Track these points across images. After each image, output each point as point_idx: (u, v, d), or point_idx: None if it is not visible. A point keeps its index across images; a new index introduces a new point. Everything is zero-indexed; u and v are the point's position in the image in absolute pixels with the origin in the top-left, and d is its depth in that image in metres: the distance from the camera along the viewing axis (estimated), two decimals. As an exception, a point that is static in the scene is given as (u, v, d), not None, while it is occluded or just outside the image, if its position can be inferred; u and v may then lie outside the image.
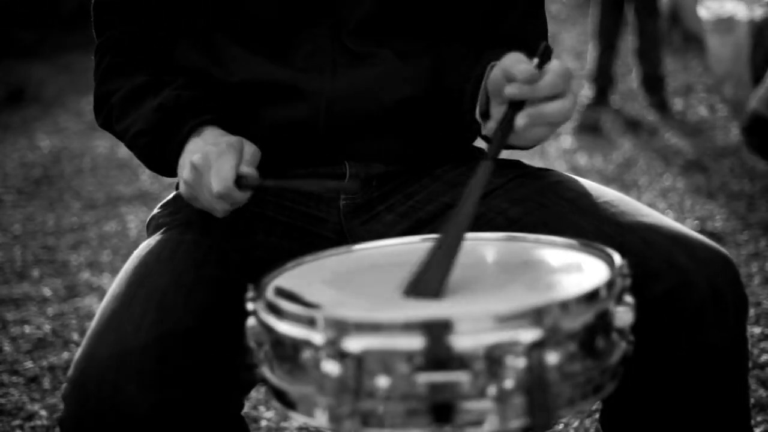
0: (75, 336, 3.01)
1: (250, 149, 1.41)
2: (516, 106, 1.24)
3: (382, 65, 1.47)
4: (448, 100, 1.50)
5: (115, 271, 3.59)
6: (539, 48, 1.25)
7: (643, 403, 1.32)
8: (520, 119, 1.22)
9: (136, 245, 3.83)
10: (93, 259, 3.78)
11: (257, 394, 2.46)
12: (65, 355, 2.86)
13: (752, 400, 2.34)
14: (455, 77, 1.50)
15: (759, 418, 2.27)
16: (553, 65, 1.23)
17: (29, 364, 2.82)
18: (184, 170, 1.38)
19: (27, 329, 3.09)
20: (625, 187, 4.35)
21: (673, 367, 1.29)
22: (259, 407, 2.48)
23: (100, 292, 3.37)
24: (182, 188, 1.40)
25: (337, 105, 1.46)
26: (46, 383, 2.68)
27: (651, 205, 4.05)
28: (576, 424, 2.32)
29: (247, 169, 1.38)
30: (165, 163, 1.46)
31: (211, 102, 1.47)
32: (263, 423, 2.42)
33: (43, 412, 2.51)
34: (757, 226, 3.70)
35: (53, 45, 8.30)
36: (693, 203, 4.06)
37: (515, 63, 1.23)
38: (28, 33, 8.70)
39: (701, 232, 3.63)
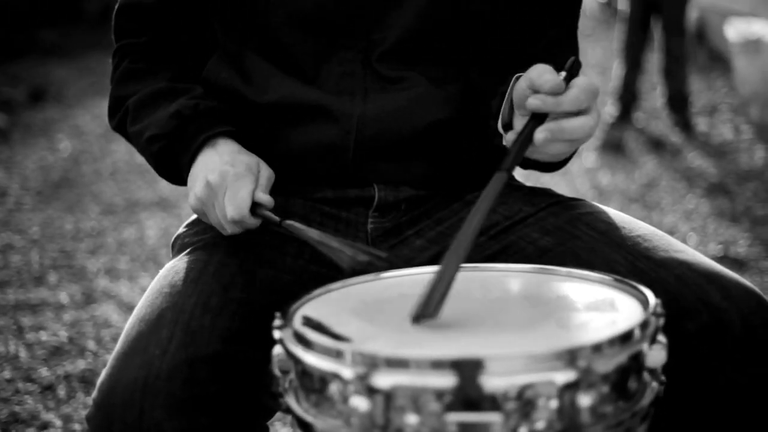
0: (91, 344, 3.00)
1: (266, 172, 1.40)
2: (538, 118, 1.21)
3: (413, 89, 1.46)
4: (479, 125, 1.49)
5: (132, 279, 3.59)
6: (568, 62, 1.22)
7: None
8: (539, 133, 1.19)
9: (154, 252, 3.87)
10: (111, 266, 3.77)
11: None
12: (81, 363, 2.85)
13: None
14: (485, 102, 1.48)
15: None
16: (580, 80, 1.20)
17: (45, 371, 2.81)
18: (197, 184, 1.38)
19: (43, 336, 3.08)
20: (647, 208, 4.32)
21: (704, 407, 1.27)
22: (275, 423, 2.46)
23: (117, 300, 3.37)
24: (192, 201, 1.40)
25: (367, 128, 1.45)
26: (61, 392, 2.67)
27: (674, 227, 4.02)
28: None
29: (264, 197, 1.37)
30: (176, 171, 1.46)
31: (228, 114, 1.47)
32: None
33: (58, 422, 2.50)
34: (780, 252, 3.66)
35: (76, 45, 8.34)
36: (716, 227, 4.02)
37: (542, 73, 1.21)
38: (50, 33, 8.76)
39: (725, 257, 3.59)
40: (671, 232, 3.92)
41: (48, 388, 2.70)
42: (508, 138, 1.33)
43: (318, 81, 1.46)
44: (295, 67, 1.46)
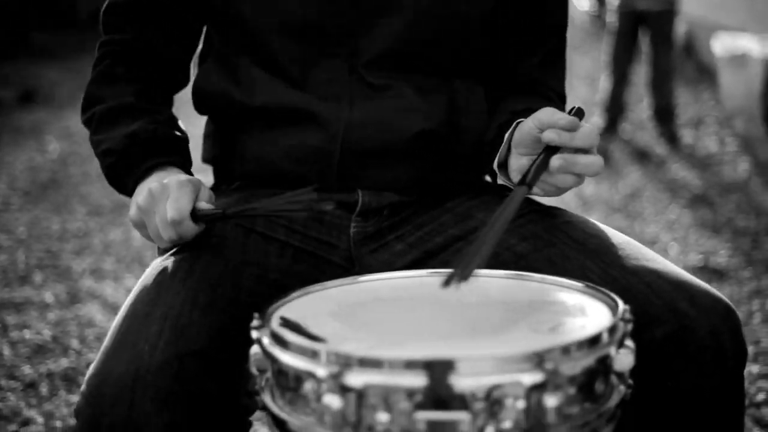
0: (75, 343, 3.01)
1: (206, 192, 1.43)
2: (550, 151, 1.31)
3: (399, 98, 1.49)
4: (462, 136, 1.53)
5: (117, 280, 3.60)
6: (573, 109, 1.33)
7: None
8: (555, 161, 1.29)
9: (139, 254, 3.89)
10: (96, 266, 3.79)
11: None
12: (64, 362, 2.86)
13: (748, 441, 2.34)
14: (470, 113, 1.53)
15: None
16: (587, 125, 1.31)
17: (27, 369, 2.82)
18: (140, 196, 1.41)
19: (27, 334, 3.09)
20: (630, 218, 4.36)
21: (669, 412, 1.30)
22: (254, 422, 2.48)
23: (102, 300, 3.38)
24: (133, 212, 1.42)
25: (353, 134, 1.48)
26: (44, 389, 2.69)
27: (656, 237, 4.06)
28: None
29: (205, 204, 1.40)
30: (124, 187, 1.50)
31: (184, 144, 1.52)
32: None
33: (40, 419, 2.51)
34: (760, 264, 3.70)
35: (68, 47, 8.35)
36: (698, 237, 4.06)
37: (553, 113, 1.31)
38: (42, 35, 8.76)
39: (705, 267, 3.63)
40: (653, 242, 3.96)
41: (31, 386, 2.71)
42: (514, 168, 1.41)
43: (305, 86, 1.49)
44: (283, 72, 1.49)
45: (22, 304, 3.37)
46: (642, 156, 5.48)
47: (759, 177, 4.96)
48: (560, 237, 1.44)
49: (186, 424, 1.23)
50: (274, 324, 1.18)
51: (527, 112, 1.40)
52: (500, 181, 1.48)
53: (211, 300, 1.35)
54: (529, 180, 1.29)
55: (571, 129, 1.29)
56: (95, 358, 1.30)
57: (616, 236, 1.44)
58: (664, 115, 5.74)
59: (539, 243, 1.44)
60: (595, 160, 1.30)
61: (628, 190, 4.85)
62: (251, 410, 1.37)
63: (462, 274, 1.16)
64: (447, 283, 1.16)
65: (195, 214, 1.38)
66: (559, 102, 1.60)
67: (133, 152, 1.48)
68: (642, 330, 1.26)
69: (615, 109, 5.70)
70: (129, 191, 1.49)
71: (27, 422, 2.50)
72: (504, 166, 1.45)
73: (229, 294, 1.38)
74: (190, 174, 1.49)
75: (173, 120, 1.55)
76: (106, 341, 1.31)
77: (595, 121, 5.70)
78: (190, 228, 1.38)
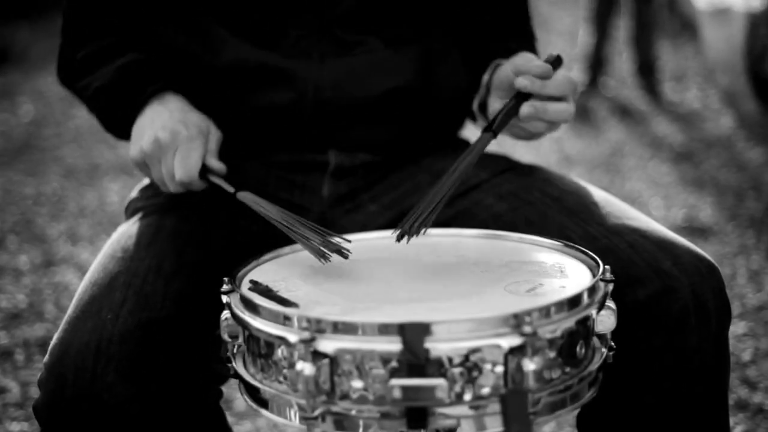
0: (50, 309, 2.97)
1: (215, 135, 1.39)
2: (522, 98, 1.30)
3: (370, 54, 1.44)
4: (436, 91, 1.49)
5: (93, 244, 3.55)
6: (551, 56, 1.32)
7: (621, 408, 1.30)
8: (526, 107, 1.29)
9: (116, 217, 3.83)
10: (72, 231, 3.73)
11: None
12: (39, 328, 2.82)
13: (734, 399, 2.33)
14: (443, 67, 1.48)
15: (741, 416, 2.26)
16: (562, 72, 1.31)
17: (2, 336, 2.78)
18: (145, 138, 1.35)
19: (2, 301, 3.05)
20: (611, 174, 4.33)
21: (653, 373, 1.27)
22: (234, 390, 2.45)
23: (78, 264, 3.33)
24: (135, 153, 1.36)
25: (324, 92, 1.43)
26: (19, 357, 2.65)
27: (638, 194, 4.03)
28: (552, 427, 2.30)
29: (215, 163, 1.36)
30: (123, 124, 1.43)
31: (176, 74, 1.45)
32: (237, 404, 2.39)
33: (15, 387, 2.48)
34: (744, 220, 3.68)
35: (39, 7, 8.20)
36: (680, 193, 4.04)
37: (530, 59, 1.31)
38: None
39: (688, 226, 3.61)
40: (635, 198, 3.94)
41: (6, 354, 2.67)
42: (491, 111, 1.39)
43: (275, 44, 1.44)
44: (252, 29, 1.44)
45: (-4, 269, 3.33)
46: (624, 111, 5.45)
47: (742, 132, 4.94)
48: (538, 195, 1.40)
49: (152, 394, 1.20)
50: (244, 288, 1.14)
51: (505, 53, 1.41)
52: (479, 123, 1.47)
53: (177, 266, 1.31)
54: (495, 127, 1.28)
55: (545, 77, 1.28)
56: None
57: (596, 193, 1.40)
58: (646, 70, 5.71)
59: (516, 202, 1.40)
60: (565, 107, 1.30)
61: (609, 146, 4.82)
62: (223, 377, 1.34)
63: (415, 226, 1.17)
64: (401, 237, 1.17)
65: (203, 173, 1.35)
66: (528, 40, 1.56)
67: (127, 84, 1.42)
68: (624, 291, 1.23)
69: (596, 64, 5.66)
70: (128, 130, 1.41)
71: (2, 391, 2.47)
72: (484, 108, 1.44)
73: (196, 259, 1.34)
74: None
75: (157, 55, 1.48)
76: (70, 310, 1.28)
77: (575, 76, 5.65)
78: (198, 185, 1.36)
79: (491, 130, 1.27)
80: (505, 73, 1.35)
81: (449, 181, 1.21)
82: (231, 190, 1.33)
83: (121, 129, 1.44)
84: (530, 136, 1.37)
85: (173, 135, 1.33)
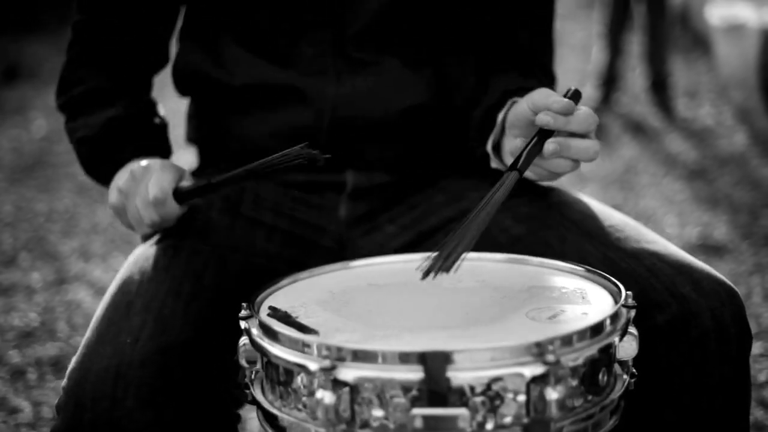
0: (63, 327, 2.96)
1: (189, 178, 1.39)
2: (544, 135, 1.24)
3: (387, 72, 1.44)
4: (453, 111, 1.48)
5: (105, 261, 3.55)
6: (569, 91, 1.27)
7: (642, 430, 1.29)
8: (550, 144, 1.22)
9: (128, 235, 3.82)
10: (84, 248, 3.73)
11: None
12: (52, 347, 2.81)
13: (750, 420, 2.30)
14: (460, 88, 1.47)
15: (756, 438, 2.24)
16: (585, 108, 1.25)
17: (15, 355, 2.77)
18: (121, 179, 1.37)
19: (14, 319, 3.04)
20: (625, 191, 4.31)
21: (673, 399, 1.26)
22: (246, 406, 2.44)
23: (90, 282, 3.33)
24: (112, 197, 1.38)
25: (340, 111, 1.42)
26: (32, 376, 2.64)
27: (652, 211, 4.01)
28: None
29: (187, 184, 1.35)
30: (100, 176, 1.46)
31: (161, 132, 1.48)
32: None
33: (28, 406, 2.47)
34: (759, 238, 3.65)
35: (51, 21, 8.22)
36: (695, 211, 4.02)
37: (548, 95, 1.25)
38: (23, 7, 8.63)
39: (703, 244, 3.58)
40: (649, 216, 3.92)
41: (18, 372, 2.66)
42: (507, 148, 1.34)
43: (291, 62, 1.44)
44: (267, 49, 1.44)
45: (8, 287, 3.32)
46: (637, 128, 5.43)
47: (756, 149, 4.91)
48: (557, 218, 1.39)
49: (171, 420, 1.19)
50: (263, 314, 1.13)
51: (521, 92, 1.35)
52: (493, 165, 1.42)
53: (196, 289, 1.30)
54: (520, 165, 1.22)
55: (567, 113, 1.22)
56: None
57: (615, 216, 1.39)
58: (659, 87, 5.69)
59: (535, 225, 1.39)
60: (590, 144, 1.24)
61: (623, 163, 4.79)
62: (240, 402, 1.33)
63: (443, 265, 1.09)
64: (426, 274, 1.09)
65: (178, 194, 1.33)
66: (548, 81, 1.54)
67: (110, 140, 1.44)
68: (644, 315, 1.22)
69: (609, 81, 5.64)
70: (106, 181, 1.44)
71: (15, 410, 2.46)
72: (498, 148, 1.40)
73: (214, 282, 1.33)
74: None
75: (151, 105, 1.50)
76: (88, 333, 1.27)
77: (588, 92, 5.63)
78: (173, 209, 1.33)
79: (516, 168, 1.21)
80: (522, 110, 1.29)
81: (477, 220, 1.15)
82: (205, 181, 1.32)
83: (99, 179, 1.47)
84: (552, 176, 1.31)
85: (145, 167, 1.34)
